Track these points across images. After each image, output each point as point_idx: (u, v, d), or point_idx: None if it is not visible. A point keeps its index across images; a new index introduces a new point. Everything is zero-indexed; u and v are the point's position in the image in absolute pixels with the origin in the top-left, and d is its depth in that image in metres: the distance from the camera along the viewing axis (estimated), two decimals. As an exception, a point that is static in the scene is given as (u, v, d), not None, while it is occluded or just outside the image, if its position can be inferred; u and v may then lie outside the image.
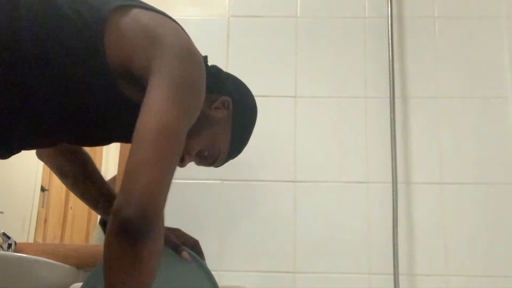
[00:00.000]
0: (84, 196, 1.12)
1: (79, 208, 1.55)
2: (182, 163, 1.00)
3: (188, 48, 0.86)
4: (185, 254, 1.05)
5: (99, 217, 1.54)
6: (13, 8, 0.79)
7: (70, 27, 0.80)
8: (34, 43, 0.79)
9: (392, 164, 1.49)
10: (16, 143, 0.87)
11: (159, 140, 0.74)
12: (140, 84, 0.82)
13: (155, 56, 0.81)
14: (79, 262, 1.43)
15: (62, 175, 1.11)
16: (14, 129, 0.83)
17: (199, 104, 0.85)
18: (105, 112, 0.86)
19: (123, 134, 0.92)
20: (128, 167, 0.74)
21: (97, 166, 1.14)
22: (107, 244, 0.72)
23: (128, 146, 0.78)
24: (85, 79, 0.82)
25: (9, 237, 1.39)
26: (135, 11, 0.86)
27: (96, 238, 1.54)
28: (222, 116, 1.01)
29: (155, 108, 0.76)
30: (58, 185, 1.55)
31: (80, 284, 1.11)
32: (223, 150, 1.04)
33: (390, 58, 1.56)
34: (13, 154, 0.89)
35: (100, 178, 1.12)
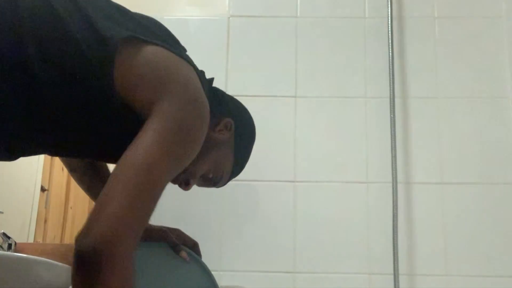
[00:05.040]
0: (90, 190, 1.15)
1: (79, 208, 1.54)
2: (187, 186, 1.02)
3: (195, 98, 0.84)
4: (183, 253, 1.05)
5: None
6: (16, 27, 0.77)
7: (78, 53, 0.79)
8: (39, 65, 0.77)
9: (392, 164, 1.49)
10: (18, 152, 0.88)
11: (135, 176, 0.71)
12: (141, 117, 0.80)
13: (159, 97, 0.79)
14: (79, 262, 1.43)
15: (71, 169, 1.14)
16: (17, 141, 0.84)
17: (191, 154, 0.83)
18: (105, 135, 0.85)
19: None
20: (99, 196, 0.71)
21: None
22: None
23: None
24: (90, 105, 0.80)
25: (9, 237, 1.39)
26: (152, 48, 0.84)
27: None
28: (225, 138, 1.02)
29: (143, 145, 0.74)
30: (58, 185, 1.55)
31: (80, 284, 1.10)
32: (226, 170, 1.05)
33: (390, 58, 1.56)
34: (17, 158, 0.90)
35: (107, 173, 1.14)
